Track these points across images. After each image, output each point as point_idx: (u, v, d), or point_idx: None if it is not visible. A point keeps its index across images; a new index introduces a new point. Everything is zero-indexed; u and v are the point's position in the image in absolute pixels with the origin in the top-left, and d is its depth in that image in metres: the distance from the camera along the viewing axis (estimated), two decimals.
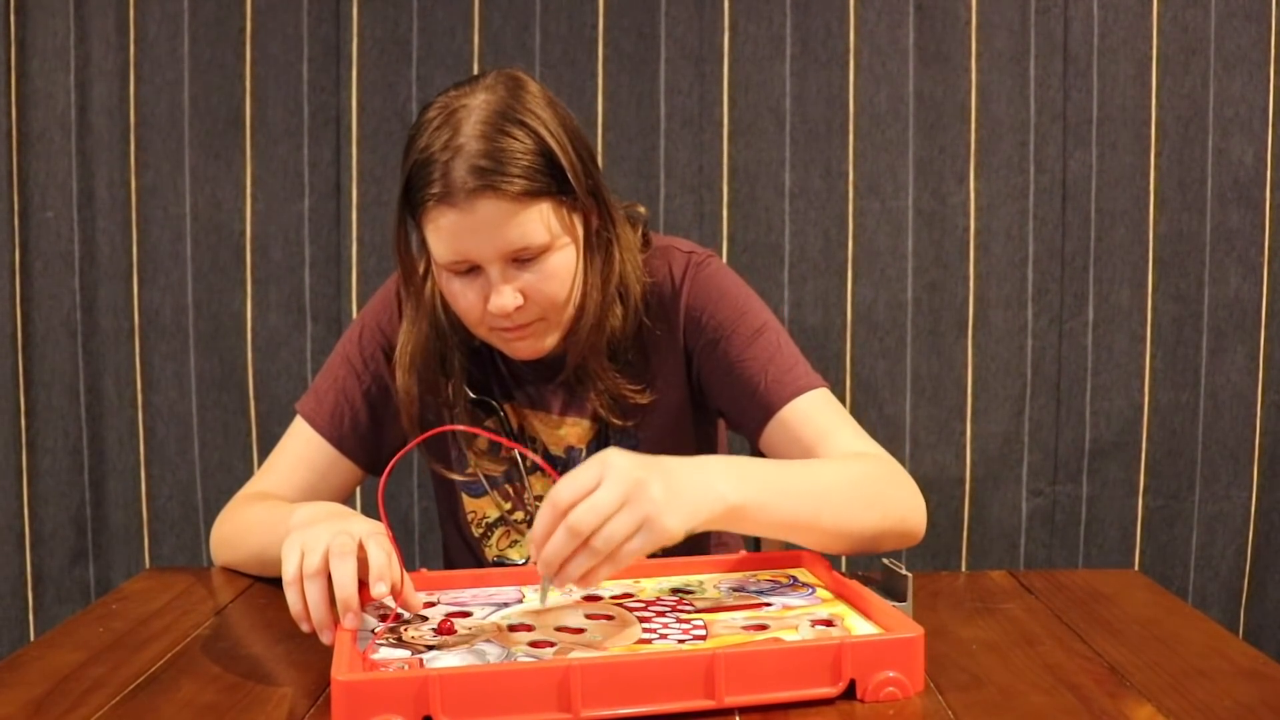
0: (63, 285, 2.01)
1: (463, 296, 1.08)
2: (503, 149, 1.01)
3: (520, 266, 1.06)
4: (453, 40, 1.96)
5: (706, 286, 1.19)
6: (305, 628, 0.92)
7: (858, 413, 1.95)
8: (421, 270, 1.16)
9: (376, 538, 0.94)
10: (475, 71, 1.96)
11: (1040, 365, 2.01)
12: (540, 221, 1.04)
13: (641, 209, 1.22)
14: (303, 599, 0.91)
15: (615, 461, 0.85)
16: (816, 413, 1.14)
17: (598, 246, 1.13)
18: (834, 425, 1.13)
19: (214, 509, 2.07)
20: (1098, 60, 1.97)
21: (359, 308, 1.98)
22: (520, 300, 1.06)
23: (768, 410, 1.14)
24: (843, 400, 1.95)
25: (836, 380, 1.97)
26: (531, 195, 1.03)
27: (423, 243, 1.09)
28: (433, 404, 1.21)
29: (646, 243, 1.21)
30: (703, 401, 1.22)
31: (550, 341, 1.13)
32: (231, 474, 2.01)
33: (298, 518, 1.02)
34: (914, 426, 2.01)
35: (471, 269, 1.07)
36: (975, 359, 2.01)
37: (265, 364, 2.01)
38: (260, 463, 2.07)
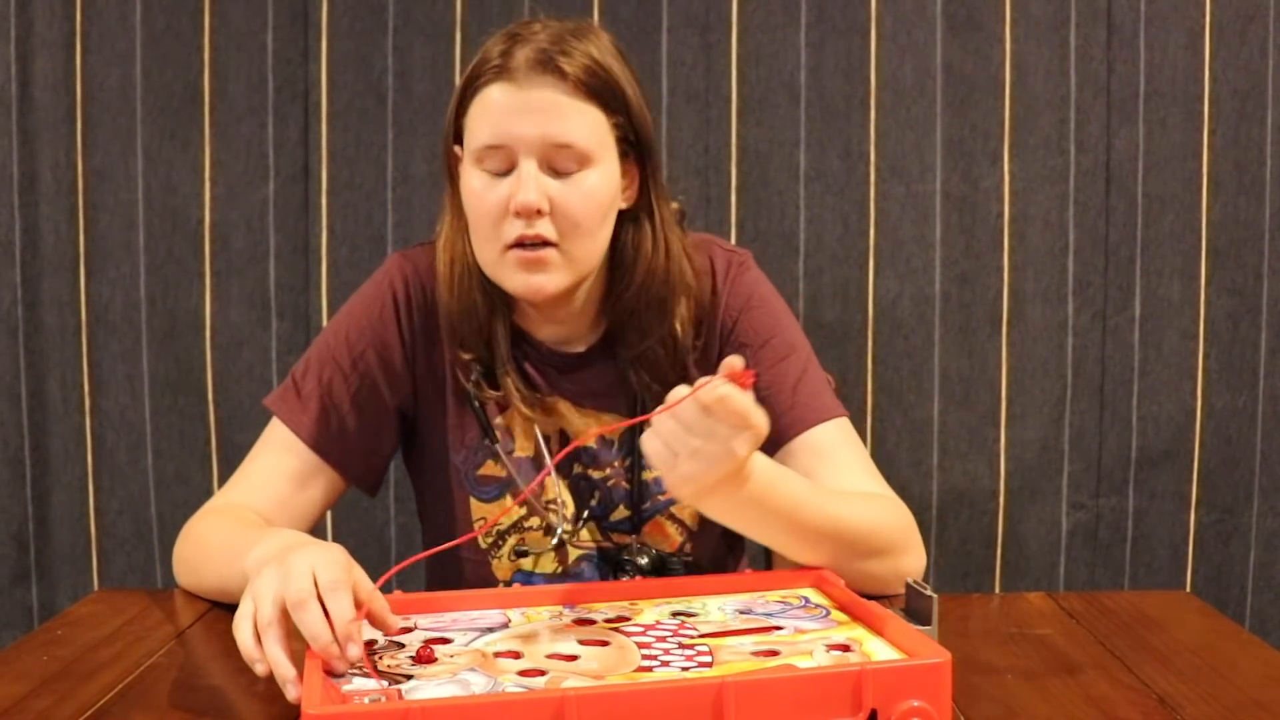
0: (2, 278, 2.00)
1: (486, 195, 1.13)
2: (570, 46, 1.12)
3: (555, 174, 1.13)
4: (433, 6, 1.96)
5: (749, 291, 1.27)
6: (260, 669, 0.88)
7: (880, 418, 1.95)
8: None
9: (338, 592, 0.89)
10: (457, 42, 1.97)
11: (1082, 366, 2.01)
12: (587, 125, 1.13)
13: (675, 203, 1.26)
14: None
15: None
16: (833, 445, 1.21)
17: (646, 212, 1.21)
18: (848, 461, 1.21)
19: (169, 524, 2.05)
20: (1145, 28, 1.97)
21: (329, 302, 1.98)
22: (546, 203, 1.12)
23: (784, 434, 1.20)
24: (864, 405, 1.96)
25: (857, 382, 1.97)
26: (588, 93, 1.12)
27: (456, 161, 1.18)
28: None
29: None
30: None
31: (559, 279, 1.15)
32: (188, 486, 2.01)
33: (251, 560, 0.98)
34: (942, 433, 2.01)
35: (503, 173, 1.13)
36: (1010, 359, 2.01)
37: (226, 365, 2.01)
38: (220, 473, 2.05)
